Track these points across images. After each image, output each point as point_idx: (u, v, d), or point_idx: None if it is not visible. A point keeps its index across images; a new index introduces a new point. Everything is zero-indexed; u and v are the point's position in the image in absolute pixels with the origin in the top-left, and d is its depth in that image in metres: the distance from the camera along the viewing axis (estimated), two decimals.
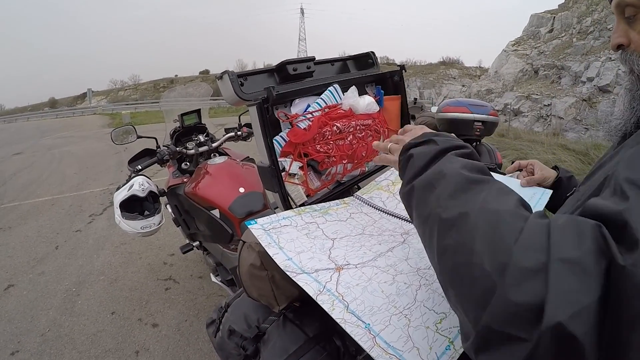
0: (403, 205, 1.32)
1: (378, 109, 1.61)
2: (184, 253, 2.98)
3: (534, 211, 1.04)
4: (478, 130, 4.09)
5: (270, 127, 1.23)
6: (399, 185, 1.41)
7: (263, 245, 1.00)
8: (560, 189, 1.32)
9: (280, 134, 1.30)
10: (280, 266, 0.92)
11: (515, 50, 22.07)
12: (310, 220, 1.16)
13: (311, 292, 0.84)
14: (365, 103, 1.52)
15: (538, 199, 1.25)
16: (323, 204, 1.31)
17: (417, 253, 1.04)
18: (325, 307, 0.81)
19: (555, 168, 1.41)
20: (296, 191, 1.30)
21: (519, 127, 15.46)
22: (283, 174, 1.27)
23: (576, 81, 16.35)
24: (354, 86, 1.54)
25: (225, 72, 1.26)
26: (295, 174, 1.30)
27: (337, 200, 1.36)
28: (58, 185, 8.27)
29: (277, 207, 1.31)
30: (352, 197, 1.41)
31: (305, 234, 1.08)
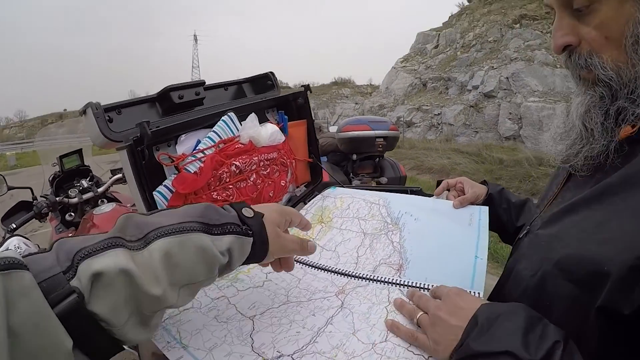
0: (329, 252, 1.12)
1: (283, 138, 1.38)
2: None
3: (480, 231, 1.08)
4: (380, 146, 4.21)
5: (150, 176, 0.95)
6: (319, 227, 1.21)
7: (159, 347, 0.74)
8: (493, 204, 1.26)
9: (164, 183, 1.01)
10: None
11: (404, 66, 23.10)
12: (217, 294, 0.92)
13: None
14: (268, 133, 1.28)
15: (478, 219, 1.15)
16: None
17: (363, 320, 0.83)
18: None
19: (484, 183, 1.35)
20: None
21: (413, 137, 16.28)
22: None
23: (462, 90, 17.40)
24: (253, 114, 1.29)
25: (89, 104, 0.97)
26: None
27: None
28: None
29: None
30: None
31: (215, 316, 0.84)
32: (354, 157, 4.26)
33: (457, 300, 0.76)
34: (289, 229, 0.86)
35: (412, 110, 18.46)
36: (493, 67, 16.34)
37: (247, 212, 0.74)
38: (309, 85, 1.54)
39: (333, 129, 4.40)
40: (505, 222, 1.27)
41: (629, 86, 0.70)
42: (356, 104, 24.32)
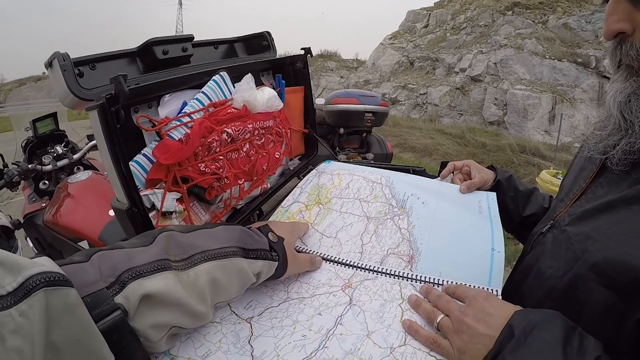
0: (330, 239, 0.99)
1: (281, 105, 1.23)
2: None
3: (492, 220, 1.01)
4: (369, 121, 4.14)
5: (126, 143, 0.78)
6: (316, 209, 1.09)
7: None
8: (500, 191, 1.19)
9: (143, 151, 0.85)
10: None
11: (392, 43, 22.90)
12: None
13: None
14: (265, 98, 1.12)
15: (487, 207, 1.07)
16: None
17: (377, 319, 0.74)
18: None
19: (491, 168, 1.28)
20: None
21: (397, 114, 16.22)
22: (152, 214, 0.83)
23: (449, 72, 17.32)
24: (249, 74, 1.12)
25: (55, 55, 0.79)
26: (173, 212, 0.87)
27: None
28: None
29: None
30: None
31: None
32: (341, 130, 4.23)
33: (486, 305, 0.70)
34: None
35: (397, 88, 18.37)
36: (482, 51, 16.25)
37: (272, 237, 0.80)
38: (309, 48, 1.38)
39: (319, 101, 4.30)
40: (512, 210, 1.21)
41: None
42: (341, 77, 24.10)
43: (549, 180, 5.24)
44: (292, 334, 0.70)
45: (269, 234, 0.80)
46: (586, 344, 0.59)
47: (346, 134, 4.25)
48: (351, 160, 3.68)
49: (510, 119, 13.27)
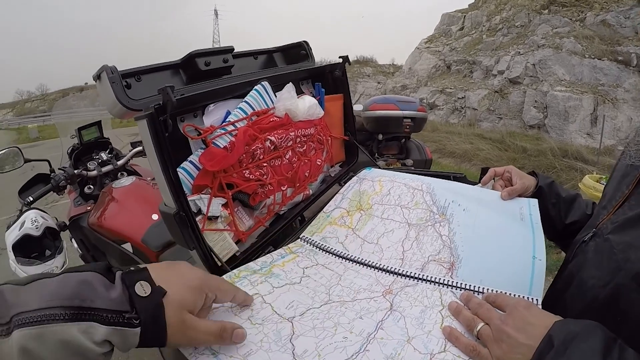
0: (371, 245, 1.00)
1: (322, 113, 1.25)
2: None
3: (534, 228, 0.98)
4: (407, 127, 4.07)
5: (174, 150, 0.81)
6: (358, 215, 1.09)
7: (186, 355, 0.64)
8: (542, 198, 1.15)
9: (190, 158, 0.88)
10: None
11: (428, 47, 22.73)
12: (249, 290, 0.79)
13: None
14: (306, 106, 1.14)
15: (529, 214, 1.04)
16: (263, 258, 0.94)
17: (417, 325, 0.74)
18: None
19: (532, 173, 1.24)
20: (221, 241, 0.90)
21: (436, 119, 16.05)
22: (199, 219, 0.85)
23: (487, 74, 17.04)
24: (290, 83, 1.15)
25: (103, 68, 0.83)
26: (218, 216, 0.89)
27: (280, 250, 0.99)
28: None
29: None
30: (298, 240, 1.05)
31: (248, 317, 0.73)
32: (380, 137, 4.19)
33: (526, 314, 0.69)
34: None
35: (435, 93, 18.19)
36: (519, 52, 15.92)
37: (140, 290, 0.57)
38: (347, 56, 1.40)
39: (357, 107, 4.28)
40: (554, 217, 1.17)
41: None
42: (378, 83, 24.06)
43: (592, 186, 5.04)
44: (333, 335, 0.70)
45: (138, 284, 0.57)
46: (626, 356, 0.58)
47: (385, 140, 4.21)
48: (391, 167, 3.66)
49: (550, 122, 12.94)
